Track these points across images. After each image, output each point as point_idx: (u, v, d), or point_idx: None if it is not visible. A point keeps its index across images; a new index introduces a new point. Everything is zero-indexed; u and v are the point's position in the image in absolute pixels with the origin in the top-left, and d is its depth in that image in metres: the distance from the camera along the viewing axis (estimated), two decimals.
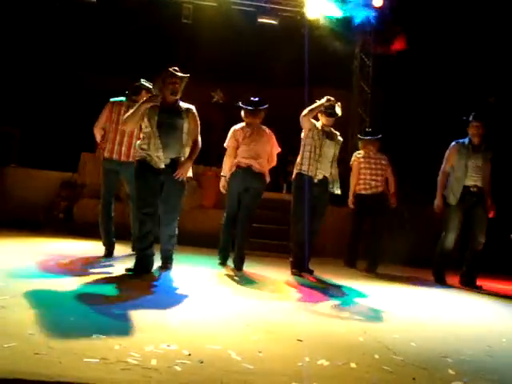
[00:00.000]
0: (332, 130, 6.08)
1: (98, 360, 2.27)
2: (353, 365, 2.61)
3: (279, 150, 6.12)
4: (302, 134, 6.00)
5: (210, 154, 9.31)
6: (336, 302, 4.39)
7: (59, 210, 8.44)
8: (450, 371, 2.69)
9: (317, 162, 5.83)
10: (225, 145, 6.07)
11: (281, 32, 10.56)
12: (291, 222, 6.02)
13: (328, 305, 4.30)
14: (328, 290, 5.09)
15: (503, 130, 9.99)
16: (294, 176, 5.98)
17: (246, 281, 5.22)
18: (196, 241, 7.78)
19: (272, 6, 10.33)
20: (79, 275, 4.35)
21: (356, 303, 4.46)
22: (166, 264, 5.24)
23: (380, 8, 10.21)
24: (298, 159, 5.99)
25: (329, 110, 5.87)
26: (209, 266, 5.91)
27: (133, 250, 5.87)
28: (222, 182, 6.10)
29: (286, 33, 10.49)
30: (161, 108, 4.84)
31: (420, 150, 10.51)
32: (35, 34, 10.66)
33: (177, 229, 5.17)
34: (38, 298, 3.39)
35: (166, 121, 4.80)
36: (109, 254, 5.76)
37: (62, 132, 10.30)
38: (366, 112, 11.04)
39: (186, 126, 4.88)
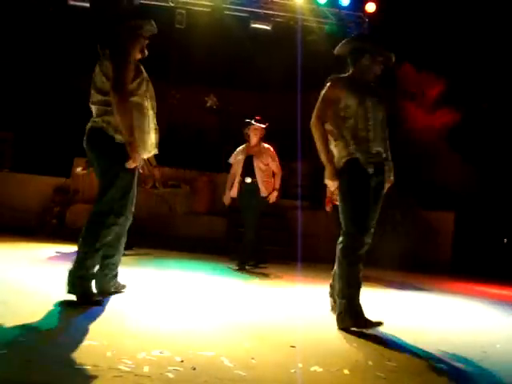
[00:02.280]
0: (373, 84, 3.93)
1: (89, 367, 2.25)
2: (346, 371, 2.60)
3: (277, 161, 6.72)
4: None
5: (204, 160, 9.28)
6: (329, 308, 4.37)
7: (52, 216, 8.40)
8: (444, 377, 2.69)
9: (367, 138, 3.67)
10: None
11: (274, 37, 10.58)
12: (343, 242, 3.66)
13: (321, 311, 4.28)
14: (321, 296, 5.07)
15: (496, 134, 10.06)
16: (342, 167, 3.68)
17: (239, 287, 5.20)
18: (189, 246, 7.78)
19: (265, 11, 10.35)
20: None
21: None
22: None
23: (373, 14, 10.25)
24: (338, 143, 3.72)
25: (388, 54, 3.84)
26: (202, 272, 5.89)
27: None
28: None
29: (279, 38, 10.50)
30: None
31: (416, 150, 10.55)
32: (28, 38, 10.63)
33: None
34: (30, 305, 3.36)
35: None
36: None
37: (56, 136, 10.24)
38: None
39: None
